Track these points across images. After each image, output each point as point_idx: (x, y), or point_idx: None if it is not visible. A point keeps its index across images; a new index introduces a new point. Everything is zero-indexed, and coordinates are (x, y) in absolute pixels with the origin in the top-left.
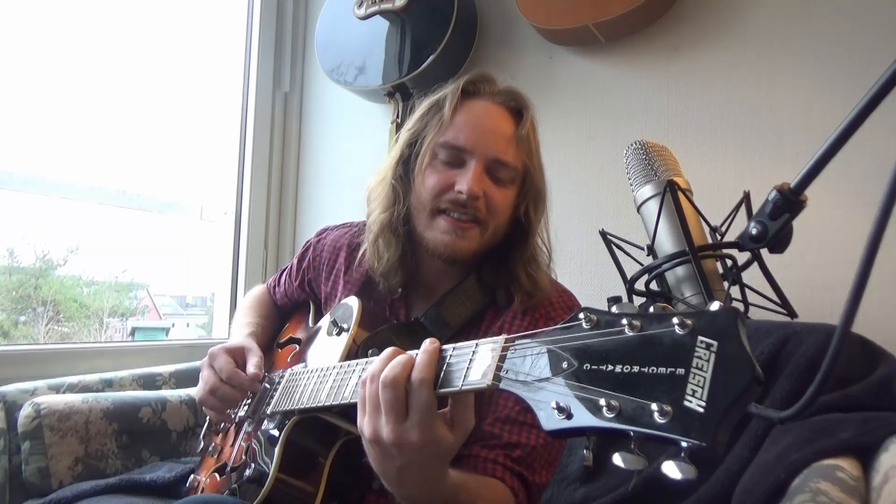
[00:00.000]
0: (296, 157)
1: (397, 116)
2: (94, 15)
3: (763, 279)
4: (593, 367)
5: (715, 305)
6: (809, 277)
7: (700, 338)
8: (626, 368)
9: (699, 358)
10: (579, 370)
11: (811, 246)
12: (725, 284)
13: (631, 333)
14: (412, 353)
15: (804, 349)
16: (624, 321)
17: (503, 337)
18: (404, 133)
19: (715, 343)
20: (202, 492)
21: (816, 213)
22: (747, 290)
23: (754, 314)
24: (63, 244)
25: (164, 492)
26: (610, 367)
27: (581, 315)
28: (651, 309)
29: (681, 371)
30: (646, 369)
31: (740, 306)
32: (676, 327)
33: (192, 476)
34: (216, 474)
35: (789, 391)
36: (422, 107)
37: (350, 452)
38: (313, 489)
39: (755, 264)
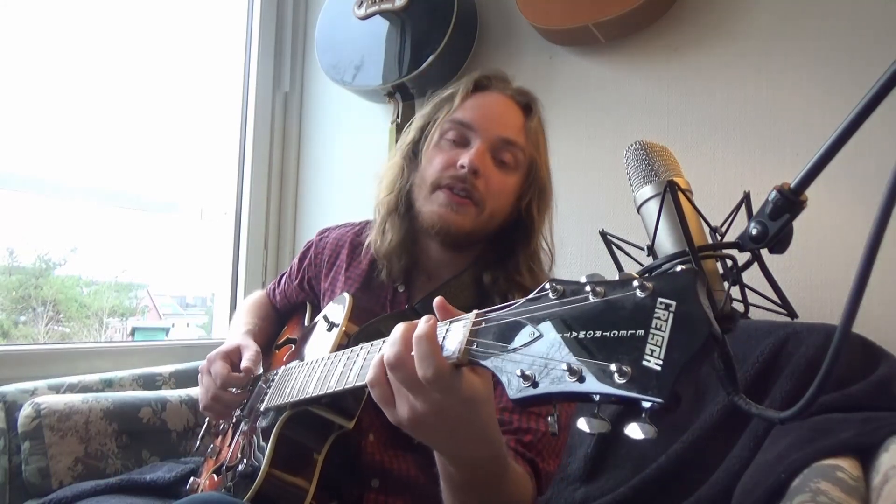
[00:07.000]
0: (296, 157)
1: (397, 116)
2: (94, 15)
3: (763, 279)
4: (559, 334)
5: (677, 268)
6: (809, 277)
7: (660, 299)
8: (590, 334)
9: (658, 318)
10: (545, 339)
11: (811, 246)
12: (725, 285)
13: (595, 300)
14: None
15: (804, 349)
16: (587, 288)
17: (474, 312)
18: (417, 119)
19: (673, 303)
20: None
21: (817, 213)
22: (747, 291)
23: (754, 314)
24: (63, 244)
25: (164, 492)
26: (574, 334)
27: (547, 286)
28: (617, 276)
29: (640, 332)
30: (608, 333)
31: (740, 307)
32: (637, 290)
33: (192, 479)
34: (214, 475)
35: (789, 391)
36: (435, 97)
37: (345, 448)
38: (306, 484)
39: (755, 265)
